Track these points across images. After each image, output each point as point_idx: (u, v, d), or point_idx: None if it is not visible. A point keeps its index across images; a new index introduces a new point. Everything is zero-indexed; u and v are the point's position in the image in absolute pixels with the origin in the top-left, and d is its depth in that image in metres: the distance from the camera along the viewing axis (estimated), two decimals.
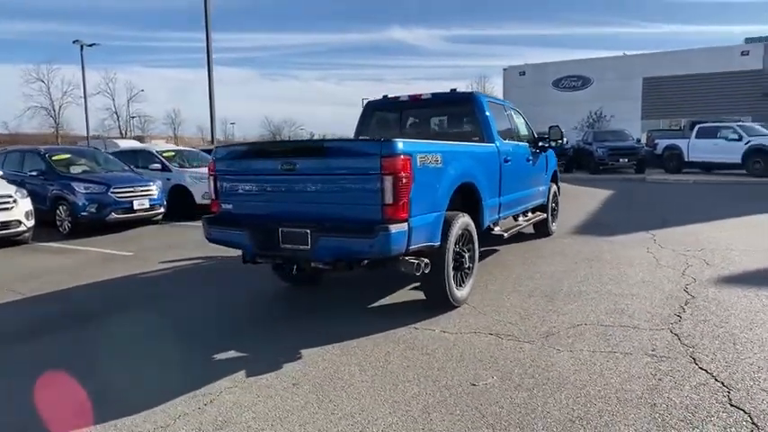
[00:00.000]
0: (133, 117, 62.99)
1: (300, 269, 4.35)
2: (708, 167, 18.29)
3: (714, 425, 2.55)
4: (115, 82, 68.74)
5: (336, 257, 3.93)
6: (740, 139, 16.95)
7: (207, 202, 10.06)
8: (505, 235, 5.75)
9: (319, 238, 3.83)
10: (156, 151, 12.81)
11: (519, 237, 7.09)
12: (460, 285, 4.50)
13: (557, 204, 8.19)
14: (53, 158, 10.48)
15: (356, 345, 3.74)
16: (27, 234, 8.60)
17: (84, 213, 9.33)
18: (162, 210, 10.34)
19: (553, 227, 7.93)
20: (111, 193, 9.53)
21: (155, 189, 10.19)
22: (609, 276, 5.38)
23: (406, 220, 3.71)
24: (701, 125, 18.68)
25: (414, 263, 3.88)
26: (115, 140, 30.40)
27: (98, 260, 7.25)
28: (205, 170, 10.68)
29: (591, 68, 31.16)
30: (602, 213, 10.36)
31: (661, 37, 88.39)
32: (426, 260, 3.96)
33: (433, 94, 6.15)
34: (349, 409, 2.84)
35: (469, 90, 7.43)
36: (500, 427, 2.60)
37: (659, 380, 3.03)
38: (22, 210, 8.42)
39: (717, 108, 25.43)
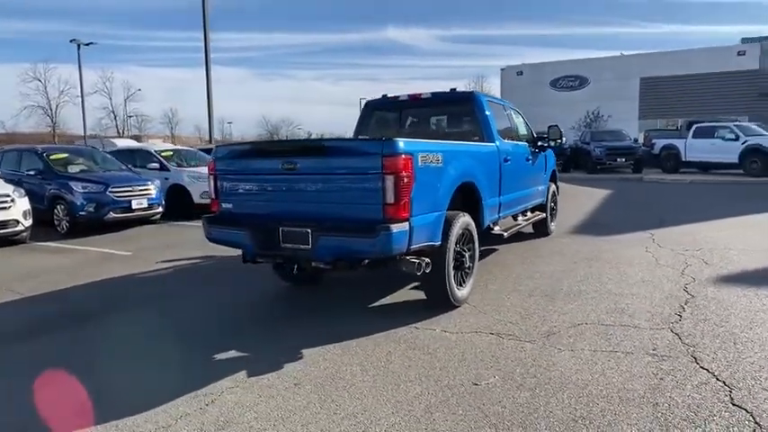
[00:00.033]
0: (130, 116, 62.93)
1: (301, 269, 4.35)
2: (705, 167, 18.31)
3: (716, 424, 2.55)
4: (112, 81, 68.66)
5: (337, 257, 3.92)
6: (737, 138, 16.97)
7: (205, 201, 10.12)
8: (505, 234, 5.76)
9: (320, 238, 3.82)
10: (154, 150, 12.77)
11: (518, 236, 7.09)
12: (461, 285, 4.50)
13: (556, 204, 8.20)
14: (51, 158, 10.44)
15: (357, 344, 3.74)
16: (25, 233, 8.57)
17: (83, 213, 9.30)
18: (160, 209, 10.30)
19: (552, 226, 7.94)
20: (110, 192, 9.50)
21: (153, 188, 10.15)
22: (608, 276, 5.39)
23: (407, 220, 3.70)
24: (698, 125, 18.71)
25: (415, 262, 3.87)
26: (112, 140, 30.20)
27: (96, 260, 7.23)
28: (203, 169, 10.70)
29: (588, 68, 31.15)
30: (600, 213, 10.38)
31: (661, 37, 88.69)
32: (427, 260, 3.95)
33: (433, 94, 6.15)
34: (351, 409, 2.83)
35: (468, 89, 7.43)
36: (503, 427, 2.60)
37: (661, 379, 3.04)
38: (19, 209, 8.39)
39: (713, 108, 25.48)
